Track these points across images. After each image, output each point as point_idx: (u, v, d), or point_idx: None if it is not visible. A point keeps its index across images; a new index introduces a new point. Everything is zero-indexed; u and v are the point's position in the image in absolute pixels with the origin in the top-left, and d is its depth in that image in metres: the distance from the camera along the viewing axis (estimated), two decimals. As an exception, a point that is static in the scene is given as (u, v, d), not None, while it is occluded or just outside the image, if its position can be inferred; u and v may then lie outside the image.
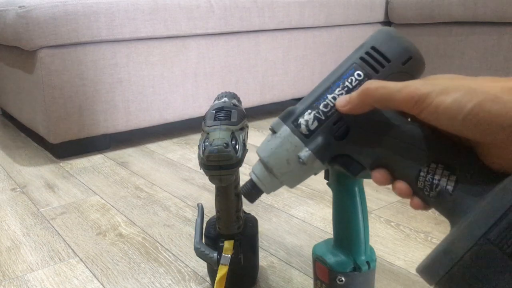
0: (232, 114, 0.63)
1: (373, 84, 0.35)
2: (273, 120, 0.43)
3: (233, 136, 0.60)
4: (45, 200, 1.11)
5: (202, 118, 0.66)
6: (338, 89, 0.40)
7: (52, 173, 1.30)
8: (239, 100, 0.71)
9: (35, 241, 0.91)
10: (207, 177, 0.62)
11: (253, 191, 0.45)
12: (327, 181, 0.64)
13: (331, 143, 0.40)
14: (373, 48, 0.40)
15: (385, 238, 0.87)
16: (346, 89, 0.39)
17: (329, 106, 0.40)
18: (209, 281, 0.75)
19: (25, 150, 1.54)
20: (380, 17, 2.08)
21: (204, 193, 1.12)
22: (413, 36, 2.01)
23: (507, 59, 1.71)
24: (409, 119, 0.39)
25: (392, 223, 0.92)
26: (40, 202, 1.10)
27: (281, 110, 1.95)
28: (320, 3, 1.83)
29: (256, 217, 0.89)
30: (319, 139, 0.40)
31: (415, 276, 0.75)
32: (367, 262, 0.60)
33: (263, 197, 1.08)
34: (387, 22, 2.14)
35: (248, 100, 1.73)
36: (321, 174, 1.21)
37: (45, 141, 1.47)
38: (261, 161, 0.43)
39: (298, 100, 2.10)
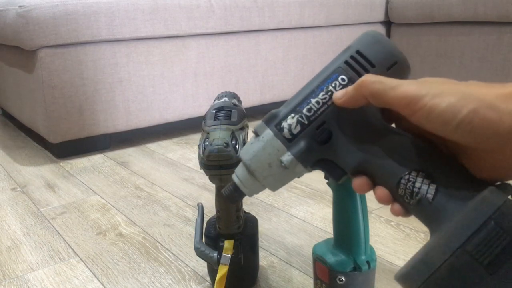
0: (232, 114, 0.63)
1: (370, 78, 0.35)
2: (257, 123, 0.43)
3: (233, 136, 0.60)
4: (45, 199, 1.11)
5: (202, 118, 0.66)
6: (321, 94, 0.40)
7: (52, 172, 1.30)
8: (239, 100, 0.71)
9: (35, 240, 0.91)
10: (207, 177, 0.62)
11: (235, 194, 0.45)
12: (327, 181, 0.64)
13: (314, 147, 0.40)
14: (358, 52, 0.39)
15: (385, 238, 0.87)
16: (330, 93, 0.39)
17: (312, 111, 0.40)
18: (209, 281, 0.75)
19: (25, 149, 1.54)
20: (380, 16, 2.08)
21: (204, 193, 1.12)
22: (413, 36, 2.01)
23: (507, 59, 1.71)
24: (393, 125, 0.39)
25: (392, 223, 0.92)
26: (40, 201, 1.10)
27: (281, 110, 1.95)
28: (320, 3, 1.83)
29: (256, 216, 0.89)
30: (301, 144, 0.40)
31: (415, 276, 0.75)
32: (367, 262, 0.60)
33: (263, 197, 1.08)
34: (387, 22, 2.14)
35: (248, 99, 1.73)
36: (321, 173, 1.21)
37: (45, 141, 1.47)
38: (244, 163, 0.43)
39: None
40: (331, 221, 0.63)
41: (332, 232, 0.63)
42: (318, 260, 0.62)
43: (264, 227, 0.93)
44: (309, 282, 0.74)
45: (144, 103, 1.49)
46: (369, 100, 0.35)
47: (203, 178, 1.21)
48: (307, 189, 1.11)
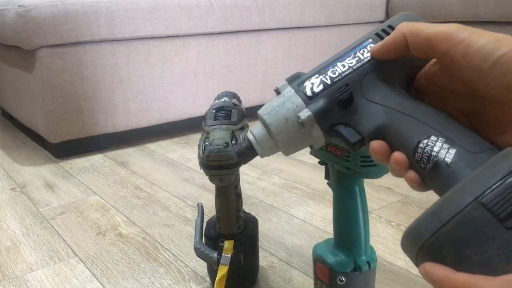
0: (232, 114, 0.63)
1: (407, 23, 0.36)
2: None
3: (233, 136, 0.60)
4: (44, 200, 1.11)
5: (202, 118, 0.66)
6: (349, 58, 0.40)
7: (51, 172, 1.29)
8: (239, 100, 0.70)
9: (34, 241, 0.91)
10: (207, 177, 0.61)
11: (248, 152, 0.43)
12: (327, 181, 0.64)
13: (333, 109, 0.39)
14: (389, 26, 0.39)
15: (385, 238, 0.87)
16: (357, 58, 0.39)
17: (337, 73, 0.39)
18: (209, 281, 0.74)
19: (24, 149, 1.53)
20: (381, 16, 2.08)
21: (204, 193, 1.12)
22: (413, 35, 2.00)
23: (507, 58, 1.70)
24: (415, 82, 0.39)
25: (392, 223, 0.92)
26: (40, 202, 1.10)
27: (281, 110, 1.95)
28: (320, 3, 1.83)
29: (256, 217, 0.89)
30: (321, 102, 0.39)
31: (415, 276, 0.74)
32: (368, 262, 0.60)
33: (263, 197, 1.08)
34: (387, 22, 2.13)
35: (248, 99, 1.73)
36: (321, 173, 1.21)
37: (44, 141, 1.47)
38: (260, 119, 0.42)
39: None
40: (331, 221, 0.63)
41: (332, 232, 0.63)
42: (318, 261, 0.62)
43: (264, 227, 0.93)
44: (309, 282, 0.74)
45: (144, 103, 1.49)
46: (408, 38, 0.35)
47: (203, 178, 1.21)
48: (307, 189, 1.11)
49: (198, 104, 1.61)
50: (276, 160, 1.33)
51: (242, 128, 0.63)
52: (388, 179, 1.15)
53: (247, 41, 1.68)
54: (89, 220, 0.99)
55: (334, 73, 0.40)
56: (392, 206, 1.00)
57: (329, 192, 1.08)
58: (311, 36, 1.86)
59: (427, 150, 0.34)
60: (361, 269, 0.59)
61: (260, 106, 1.93)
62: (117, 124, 1.46)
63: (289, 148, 0.42)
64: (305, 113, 0.39)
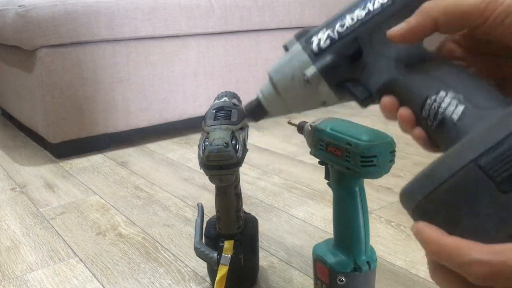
0: (232, 114, 0.63)
1: (432, 3, 0.32)
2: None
3: (233, 136, 0.60)
4: (44, 200, 1.11)
5: (202, 118, 0.66)
6: (358, 10, 0.37)
7: (51, 172, 1.29)
8: (239, 100, 0.70)
9: (34, 241, 0.91)
10: (207, 177, 0.61)
11: (257, 109, 0.43)
12: (327, 181, 0.64)
13: (341, 64, 0.38)
14: None
15: (385, 238, 0.87)
16: (367, 10, 0.37)
17: (345, 26, 0.37)
18: (209, 281, 0.74)
19: (24, 149, 1.53)
20: (381, 16, 2.08)
21: (204, 193, 1.12)
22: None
23: (507, 58, 1.70)
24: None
25: (392, 223, 0.92)
26: (40, 202, 1.10)
27: (281, 110, 1.95)
28: (320, 3, 1.83)
29: (256, 217, 0.88)
30: (327, 58, 0.38)
31: (415, 276, 0.74)
32: (368, 262, 0.60)
33: (263, 197, 1.07)
34: (387, 22, 2.13)
35: (248, 99, 1.72)
36: (321, 173, 1.21)
37: (44, 141, 1.47)
38: (269, 77, 0.41)
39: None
40: (331, 222, 0.63)
41: (332, 232, 0.63)
42: (318, 261, 0.62)
43: (264, 228, 0.93)
44: (309, 282, 0.74)
45: (144, 103, 1.49)
46: (441, 19, 0.32)
47: (203, 178, 1.21)
48: (307, 190, 1.11)
49: (198, 104, 1.61)
50: (276, 160, 1.33)
51: (242, 128, 0.63)
52: (388, 179, 1.15)
53: (247, 41, 1.68)
54: (89, 220, 0.99)
55: (342, 27, 0.38)
56: (392, 206, 1.00)
57: (329, 192, 1.08)
58: (311, 36, 1.86)
59: (434, 107, 0.32)
60: (361, 269, 0.59)
61: (260, 106, 1.93)
62: (117, 124, 1.46)
63: (298, 106, 0.41)
64: (310, 71, 0.38)
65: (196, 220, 0.70)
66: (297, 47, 0.40)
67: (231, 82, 1.67)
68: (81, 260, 0.83)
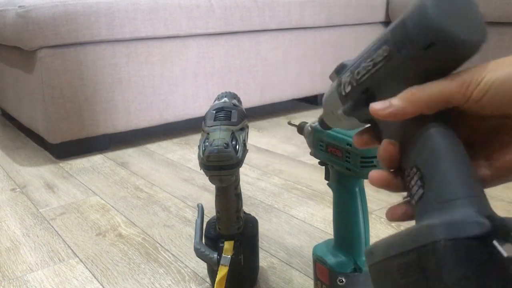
0: (232, 114, 0.63)
1: (416, 88, 0.33)
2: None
3: (233, 136, 0.60)
4: (44, 200, 1.11)
5: (202, 118, 0.66)
6: (368, 60, 0.37)
7: (51, 173, 1.29)
8: (239, 100, 0.70)
9: (34, 241, 0.91)
10: (207, 178, 0.61)
11: (322, 123, 0.51)
12: (327, 182, 0.64)
13: (361, 108, 0.39)
14: (403, 21, 0.35)
15: (385, 239, 0.87)
16: (372, 62, 0.37)
17: (360, 74, 0.38)
18: (209, 282, 0.74)
19: (24, 150, 1.53)
20: (381, 17, 2.08)
21: (204, 194, 1.12)
22: (413, 36, 2.00)
23: (507, 59, 1.71)
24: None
25: (392, 224, 0.92)
26: (40, 202, 1.10)
27: (281, 110, 1.95)
28: (320, 3, 1.83)
29: (256, 217, 0.89)
30: (349, 103, 0.40)
31: (416, 277, 0.74)
32: (368, 263, 0.60)
33: (263, 197, 1.07)
34: (387, 22, 2.14)
35: (248, 100, 1.73)
36: (321, 174, 1.21)
37: (44, 141, 1.47)
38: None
39: (298, 100, 2.10)
40: (331, 222, 0.63)
41: (332, 233, 0.63)
42: (318, 261, 0.62)
43: (264, 228, 0.93)
44: (309, 283, 0.74)
45: (144, 104, 1.49)
46: (425, 108, 0.33)
47: (203, 179, 1.21)
48: (307, 190, 1.11)
49: (198, 104, 1.61)
50: (276, 161, 1.33)
51: (242, 129, 0.63)
52: (388, 180, 1.15)
53: (247, 41, 1.68)
54: (89, 221, 0.99)
55: (358, 75, 0.39)
56: (392, 206, 1.00)
57: (329, 193, 1.08)
58: (311, 37, 1.86)
59: (407, 180, 0.34)
60: (361, 270, 0.59)
61: (260, 107, 1.93)
62: (117, 124, 1.46)
63: (348, 126, 0.45)
64: (339, 111, 0.42)
65: (196, 220, 0.70)
66: (334, 84, 0.44)
67: (231, 82, 1.67)
68: (81, 260, 0.83)
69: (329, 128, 0.53)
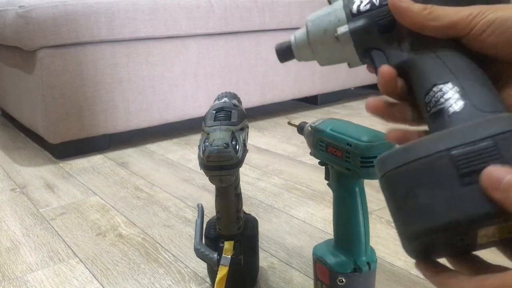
0: (232, 115, 0.63)
1: (433, 6, 0.35)
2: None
3: (233, 137, 0.60)
4: (44, 200, 1.11)
5: (202, 119, 0.66)
6: None
7: (51, 173, 1.29)
8: (239, 101, 0.70)
9: (34, 241, 0.91)
10: (207, 178, 0.61)
11: (286, 51, 0.44)
12: (327, 182, 0.64)
13: (372, 32, 0.38)
14: None
15: (386, 239, 0.87)
16: None
17: None
18: (209, 282, 0.74)
19: (24, 150, 1.53)
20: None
21: (204, 194, 1.12)
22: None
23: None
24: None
25: (392, 224, 0.92)
26: (40, 202, 1.10)
27: (282, 111, 1.95)
28: (320, 3, 1.83)
29: (256, 217, 0.89)
30: (361, 22, 0.39)
31: (416, 277, 0.74)
32: (368, 263, 0.60)
33: (263, 197, 1.07)
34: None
35: (249, 100, 1.73)
36: (322, 174, 1.21)
37: (44, 142, 1.47)
38: (305, 23, 0.43)
39: (298, 100, 2.10)
40: (331, 222, 0.63)
41: (332, 233, 0.63)
42: (318, 261, 0.62)
43: (264, 228, 0.93)
44: (310, 283, 0.74)
45: (144, 104, 1.49)
46: (433, 27, 0.35)
47: (203, 179, 1.21)
48: (307, 190, 1.11)
49: (198, 104, 1.61)
50: (276, 161, 1.33)
51: (242, 129, 0.63)
52: (388, 180, 1.15)
53: (247, 41, 1.68)
54: (89, 221, 0.99)
55: None
56: (392, 206, 1.00)
57: (329, 193, 1.08)
58: (311, 37, 1.86)
59: (438, 95, 0.34)
60: (361, 270, 0.59)
61: (260, 107, 1.93)
62: (117, 124, 1.46)
63: (323, 59, 0.42)
64: (342, 29, 0.39)
65: (196, 220, 0.70)
66: (339, 3, 0.41)
67: (231, 82, 1.67)
68: (81, 260, 0.83)
69: (289, 59, 0.46)
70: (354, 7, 0.39)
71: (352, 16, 0.39)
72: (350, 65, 0.43)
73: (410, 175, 0.30)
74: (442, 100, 0.33)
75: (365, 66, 0.41)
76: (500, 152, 0.28)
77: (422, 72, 0.35)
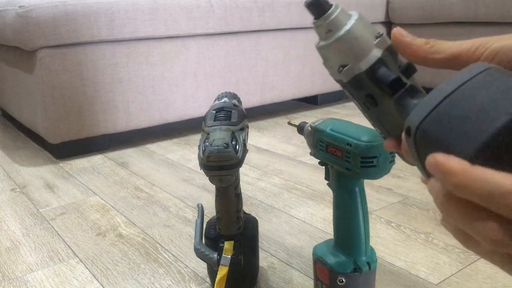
0: (232, 115, 0.63)
1: (436, 40, 0.36)
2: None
3: (233, 137, 0.60)
4: (44, 200, 1.11)
5: (202, 119, 0.66)
6: None
7: (51, 173, 1.29)
8: (239, 101, 0.70)
9: (34, 241, 0.91)
10: (207, 178, 0.61)
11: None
12: (327, 182, 0.64)
13: (365, 110, 0.39)
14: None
15: (385, 239, 0.87)
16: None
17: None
18: (209, 282, 0.74)
19: (24, 150, 1.53)
20: (381, 17, 2.08)
21: (204, 194, 1.12)
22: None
23: (507, 59, 1.71)
24: None
25: (392, 224, 0.92)
26: (40, 202, 1.10)
27: (282, 111, 1.95)
28: (320, 3, 1.82)
29: (256, 217, 0.89)
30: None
31: (416, 277, 0.74)
32: (368, 263, 0.60)
33: (263, 197, 1.07)
34: (387, 22, 2.14)
35: (249, 100, 1.73)
36: (321, 174, 1.21)
37: (44, 142, 1.47)
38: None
39: (298, 100, 2.10)
40: (331, 222, 0.63)
41: (332, 233, 0.63)
42: (318, 261, 0.62)
43: (264, 228, 0.93)
44: (310, 283, 0.74)
45: (144, 104, 1.49)
46: (430, 58, 0.35)
47: (203, 179, 1.21)
48: (307, 190, 1.11)
49: (198, 104, 1.61)
50: (276, 161, 1.33)
51: (242, 129, 0.63)
52: (388, 180, 1.15)
53: (247, 42, 1.68)
54: (89, 221, 0.99)
55: None
56: (392, 207, 1.00)
57: (329, 193, 1.08)
58: (311, 37, 1.86)
59: None
60: (361, 270, 0.59)
61: (260, 107, 1.93)
62: (117, 124, 1.46)
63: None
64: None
65: (196, 220, 0.70)
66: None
67: (231, 82, 1.67)
68: (81, 260, 0.83)
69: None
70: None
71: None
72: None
73: (448, 115, 0.28)
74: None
75: None
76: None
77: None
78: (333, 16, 0.37)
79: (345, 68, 0.37)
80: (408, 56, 0.36)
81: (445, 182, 0.26)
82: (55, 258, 0.85)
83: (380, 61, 0.36)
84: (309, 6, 0.38)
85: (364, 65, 0.36)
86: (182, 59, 1.54)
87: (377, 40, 0.36)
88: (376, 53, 0.36)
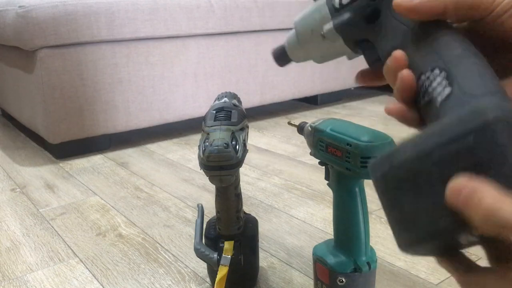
0: (232, 115, 0.63)
1: None
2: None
3: (234, 137, 0.60)
4: (44, 200, 1.11)
5: (202, 119, 0.66)
6: None
7: (51, 173, 1.29)
8: (239, 101, 0.70)
9: (34, 241, 0.91)
10: (207, 178, 0.61)
11: (281, 55, 0.43)
12: (327, 182, 0.64)
13: (358, 23, 0.37)
14: None
15: (385, 239, 0.87)
16: None
17: None
18: (209, 282, 0.74)
19: (24, 150, 1.53)
20: None
21: (204, 194, 1.12)
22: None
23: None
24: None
25: (392, 224, 0.92)
26: (40, 202, 1.10)
27: (281, 111, 1.95)
28: (320, 3, 1.83)
29: (256, 217, 0.89)
30: (345, 16, 0.37)
31: (415, 277, 0.74)
32: (368, 263, 0.60)
33: (263, 197, 1.07)
34: None
35: (249, 100, 1.73)
36: (322, 174, 1.21)
37: (45, 142, 1.47)
38: (294, 25, 0.42)
39: (298, 100, 2.10)
40: (332, 222, 0.63)
41: (332, 233, 0.63)
42: (318, 261, 0.62)
43: (264, 228, 0.93)
44: (310, 283, 0.74)
45: (144, 104, 1.49)
46: (450, 6, 0.32)
47: (203, 179, 1.21)
48: (308, 190, 1.11)
49: (198, 104, 1.61)
50: (276, 161, 1.33)
51: (242, 129, 0.63)
52: (388, 180, 1.15)
53: (247, 42, 1.68)
54: (89, 221, 0.99)
55: None
56: (392, 206, 1.00)
57: (329, 193, 1.08)
58: (311, 37, 1.86)
59: (425, 84, 0.31)
60: (361, 270, 0.59)
61: (260, 107, 1.93)
62: (117, 124, 1.46)
63: (317, 57, 0.41)
64: (327, 26, 0.38)
65: (196, 220, 0.70)
66: None
67: (231, 82, 1.67)
68: (81, 260, 0.83)
69: (287, 62, 0.44)
70: (337, 1, 0.37)
71: (335, 10, 0.37)
72: (348, 58, 0.41)
73: (394, 183, 0.29)
74: (429, 89, 0.30)
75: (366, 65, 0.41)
76: (475, 152, 0.25)
77: (412, 60, 0.33)
78: (292, 54, 0.43)
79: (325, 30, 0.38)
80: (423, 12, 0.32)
81: (473, 214, 0.25)
82: (55, 258, 0.85)
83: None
84: None
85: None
86: (182, 59, 1.54)
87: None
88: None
